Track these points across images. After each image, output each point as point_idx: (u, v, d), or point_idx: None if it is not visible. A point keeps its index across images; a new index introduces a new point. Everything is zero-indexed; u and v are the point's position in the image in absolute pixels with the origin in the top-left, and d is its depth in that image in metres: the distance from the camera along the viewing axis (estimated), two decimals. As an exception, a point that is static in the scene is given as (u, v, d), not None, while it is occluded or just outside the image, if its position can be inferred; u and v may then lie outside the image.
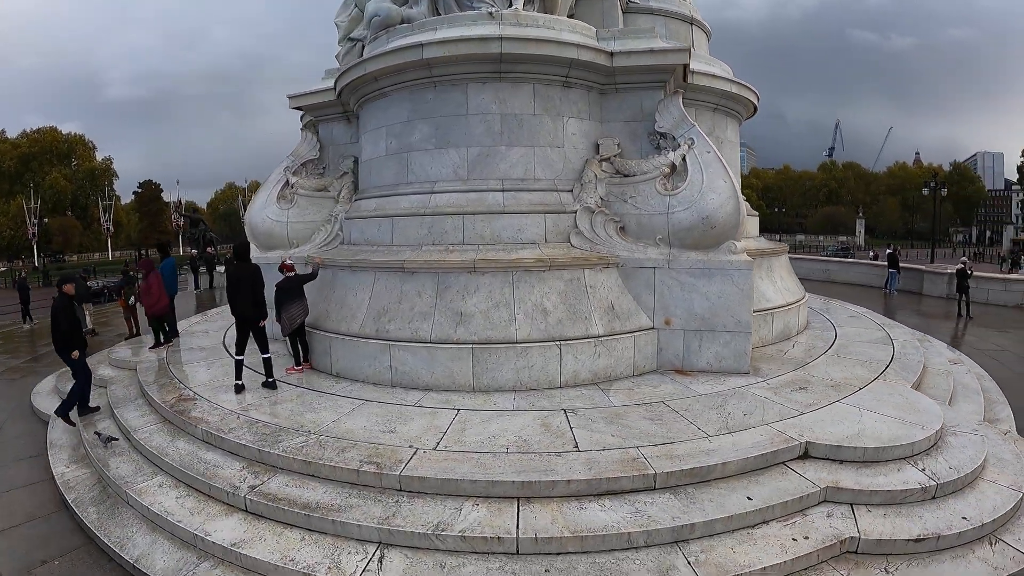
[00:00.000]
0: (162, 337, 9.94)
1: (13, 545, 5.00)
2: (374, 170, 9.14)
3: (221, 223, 77.42)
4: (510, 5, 8.24)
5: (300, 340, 7.76)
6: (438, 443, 5.28)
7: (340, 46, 10.37)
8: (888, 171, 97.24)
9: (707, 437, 5.23)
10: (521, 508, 4.41)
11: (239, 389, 6.86)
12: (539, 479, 4.57)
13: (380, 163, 8.95)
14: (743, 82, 10.08)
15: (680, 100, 7.96)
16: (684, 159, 7.50)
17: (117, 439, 6.43)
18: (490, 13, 7.99)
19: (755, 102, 10.62)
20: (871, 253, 40.29)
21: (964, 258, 18.17)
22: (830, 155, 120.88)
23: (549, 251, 7.54)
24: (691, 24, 10.67)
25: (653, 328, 7.43)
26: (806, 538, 4.19)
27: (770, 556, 4.00)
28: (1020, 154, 77.42)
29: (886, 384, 6.72)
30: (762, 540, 4.17)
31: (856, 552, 4.21)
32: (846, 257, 38.97)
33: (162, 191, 77.18)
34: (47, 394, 9.05)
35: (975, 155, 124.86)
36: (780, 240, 22.09)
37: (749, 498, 4.45)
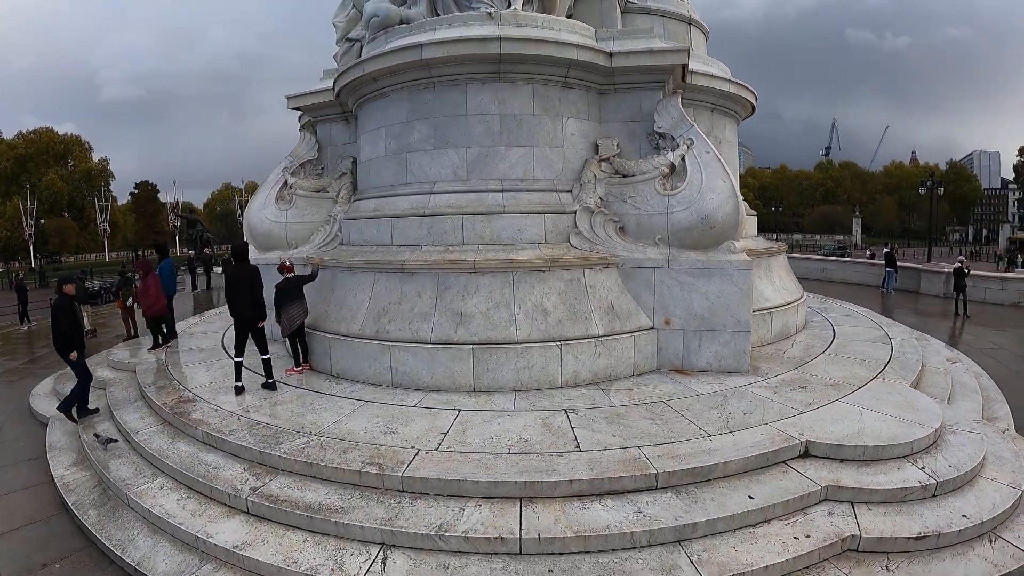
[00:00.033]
0: (160, 338, 9.92)
1: (13, 548, 4.99)
2: (373, 171, 9.14)
3: (217, 223, 77.24)
4: (509, 5, 8.25)
5: (300, 341, 7.75)
6: (440, 444, 5.29)
7: (338, 46, 10.36)
8: (885, 170, 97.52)
9: (708, 436, 5.24)
10: (524, 508, 4.42)
11: (239, 391, 6.85)
12: (541, 479, 4.58)
13: (379, 163, 8.94)
14: (741, 82, 10.10)
15: (679, 100, 7.98)
16: (683, 159, 7.51)
17: (116, 440, 6.42)
18: (489, 13, 8.00)
19: (753, 102, 10.65)
20: (868, 252, 40.38)
21: (961, 257, 18.22)
22: (827, 154, 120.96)
23: (549, 251, 7.54)
24: (689, 24, 10.69)
25: (653, 328, 7.45)
26: (807, 537, 4.21)
27: (772, 555, 4.02)
28: (1016, 153, 77.84)
29: (885, 383, 6.74)
30: (764, 539, 4.19)
31: (857, 550, 4.23)
32: (843, 256, 39.01)
33: (159, 192, 76.92)
34: (45, 396, 9.02)
35: (971, 154, 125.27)
36: (777, 239, 22.13)
37: (750, 497, 4.47)
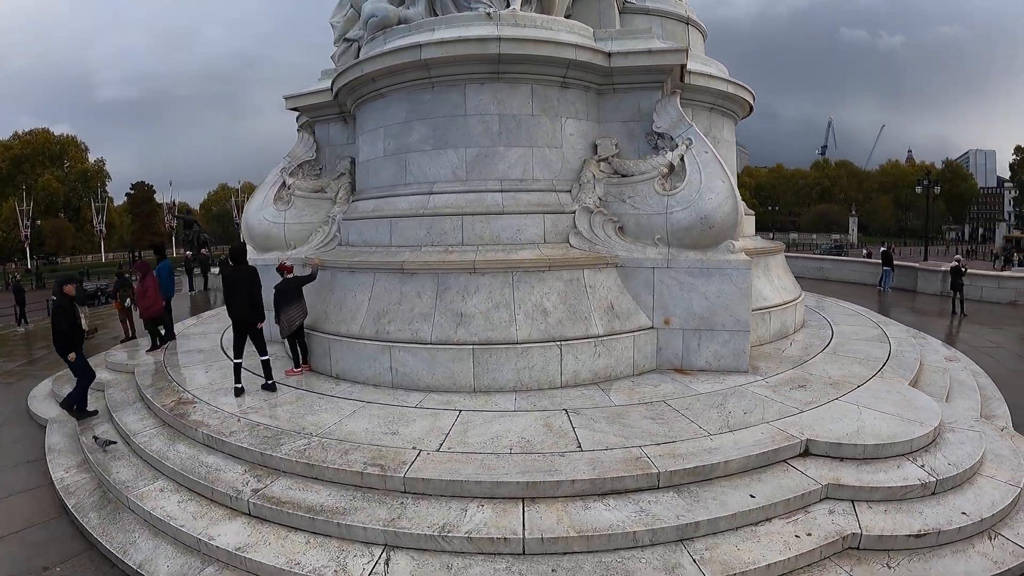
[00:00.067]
0: (158, 340, 9.90)
1: (13, 551, 4.97)
2: (372, 171, 9.13)
3: (214, 224, 76.93)
4: (507, 5, 8.25)
5: (299, 342, 7.74)
6: (441, 444, 5.29)
7: (336, 47, 10.34)
8: (881, 169, 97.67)
9: (709, 436, 5.26)
10: (526, 508, 4.42)
11: (239, 392, 6.83)
12: (543, 479, 4.59)
13: (378, 164, 8.93)
14: (739, 82, 10.14)
15: (678, 100, 7.99)
16: (682, 159, 7.53)
17: (115, 443, 6.40)
18: (488, 13, 8.00)
19: (751, 102, 10.68)
20: (864, 251, 40.47)
21: (958, 256, 18.29)
22: (823, 153, 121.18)
23: (548, 251, 7.55)
24: (687, 24, 10.72)
25: (652, 328, 7.46)
26: (809, 535, 4.23)
27: (774, 553, 4.03)
28: (1012, 151, 77.98)
29: (884, 382, 6.77)
30: (766, 537, 4.20)
31: (858, 548, 4.25)
32: (840, 255, 39.15)
33: (155, 192, 76.67)
34: (44, 398, 8.99)
35: (967, 153, 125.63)
36: (774, 238, 22.17)
37: (752, 496, 4.49)
